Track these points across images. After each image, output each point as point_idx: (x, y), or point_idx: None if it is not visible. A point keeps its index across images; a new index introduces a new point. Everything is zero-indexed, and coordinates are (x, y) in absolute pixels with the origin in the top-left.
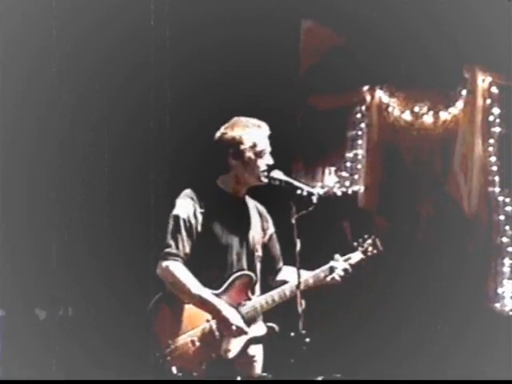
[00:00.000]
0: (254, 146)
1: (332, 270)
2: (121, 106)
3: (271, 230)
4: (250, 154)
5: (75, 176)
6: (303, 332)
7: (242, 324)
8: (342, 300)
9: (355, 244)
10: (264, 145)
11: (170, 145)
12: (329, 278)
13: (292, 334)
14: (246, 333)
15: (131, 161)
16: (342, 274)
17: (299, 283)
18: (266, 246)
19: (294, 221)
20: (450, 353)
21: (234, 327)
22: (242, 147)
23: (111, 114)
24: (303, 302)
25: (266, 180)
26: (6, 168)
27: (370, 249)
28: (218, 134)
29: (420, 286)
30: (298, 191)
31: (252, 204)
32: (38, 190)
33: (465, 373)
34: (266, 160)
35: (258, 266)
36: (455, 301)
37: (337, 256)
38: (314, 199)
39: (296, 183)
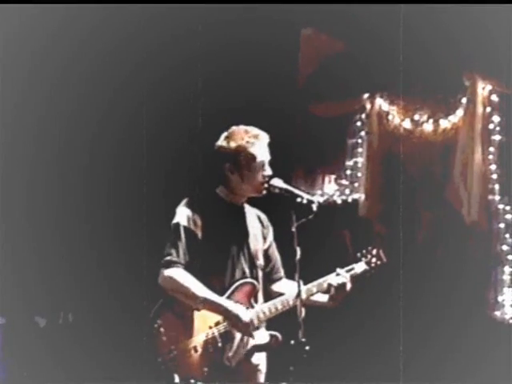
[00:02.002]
0: (251, 158)
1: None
2: (120, 107)
3: (270, 238)
4: (247, 167)
5: (75, 176)
6: (303, 340)
7: (251, 319)
8: (341, 308)
9: (359, 255)
10: (262, 156)
11: (171, 151)
12: (334, 283)
13: (292, 341)
14: (257, 328)
15: (131, 162)
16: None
17: (300, 292)
18: (265, 254)
19: (294, 229)
20: (450, 360)
21: (244, 323)
22: (239, 160)
23: (110, 115)
24: (303, 310)
25: (264, 192)
26: (6, 168)
27: (374, 260)
28: (216, 145)
29: (419, 294)
30: (298, 199)
31: (252, 212)
32: (37, 191)
33: (464, 380)
34: (265, 171)
35: (260, 273)
36: (455, 308)
37: (339, 269)
38: (314, 207)
39: (296, 191)
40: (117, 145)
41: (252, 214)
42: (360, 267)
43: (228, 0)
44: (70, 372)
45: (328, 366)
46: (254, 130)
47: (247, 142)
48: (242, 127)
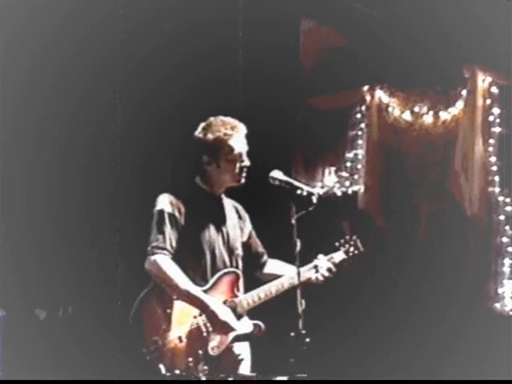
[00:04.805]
0: (229, 150)
1: (316, 268)
2: (121, 104)
3: (249, 227)
4: (225, 159)
5: (75, 176)
6: (303, 332)
7: (230, 320)
8: (342, 300)
9: (337, 244)
10: (240, 147)
11: (171, 152)
12: (313, 277)
13: (292, 333)
14: (233, 329)
15: (132, 159)
16: (326, 274)
17: (299, 283)
18: (246, 245)
19: (293, 221)
20: (450, 353)
21: (221, 323)
22: (217, 152)
23: (110, 115)
24: (303, 301)
25: (243, 181)
26: (6, 168)
27: (352, 249)
28: (194, 136)
29: (420, 286)
30: (298, 191)
31: (229, 203)
32: (37, 190)
33: (465, 373)
34: (243, 162)
35: (240, 263)
36: (455, 301)
37: (320, 255)
38: (314, 199)
39: (296, 183)
40: (116, 144)
41: (229, 205)
42: (338, 256)
43: None
44: (69, 364)
45: (328, 359)
46: (231, 122)
47: (225, 134)
48: (220, 118)
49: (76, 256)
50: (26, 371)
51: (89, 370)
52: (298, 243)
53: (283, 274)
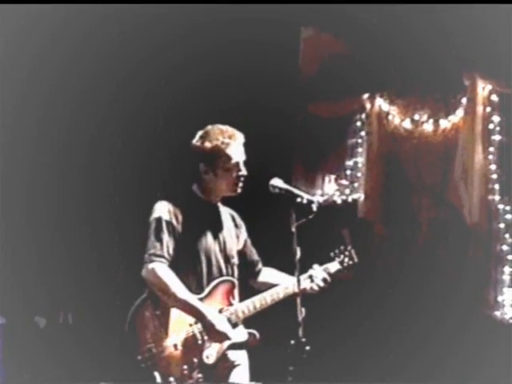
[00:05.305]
0: (227, 159)
1: (311, 278)
2: (120, 107)
3: (244, 235)
4: (222, 168)
5: (75, 177)
6: (303, 340)
7: (226, 330)
8: (342, 308)
9: (332, 254)
10: (238, 157)
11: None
12: (308, 287)
13: (292, 341)
14: (229, 339)
15: (131, 161)
16: (321, 284)
17: (299, 291)
18: (241, 253)
19: (293, 229)
20: (450, 361)
21: (218, 333)
22: (214, 161)
23: (109, 116)
24: (303, 309)
25: (239, 191)
26: (6, 168)
27: (347, 260)
28: (192, 144)
29: (420, 294)
30: (298, 199)
31: (225, 211)
32: (37, 191)
33: (464, 380)
34: (240, 171)
35: (236, 272)
36: (455, 308)
37: (315, 265)
38: (314, 207)
39: (296, 191)
40: (116, 144)
41: (226, 213)
42: (334, 267)
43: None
44: (69, 372)
45: (328, 366)
46: (229, 130)
47: (222, 142)
48: (218, 126)
49: (76, 257)
50: (26, 378)
51: (88, 375)
52: (298, 251)
53: (277, 282)
